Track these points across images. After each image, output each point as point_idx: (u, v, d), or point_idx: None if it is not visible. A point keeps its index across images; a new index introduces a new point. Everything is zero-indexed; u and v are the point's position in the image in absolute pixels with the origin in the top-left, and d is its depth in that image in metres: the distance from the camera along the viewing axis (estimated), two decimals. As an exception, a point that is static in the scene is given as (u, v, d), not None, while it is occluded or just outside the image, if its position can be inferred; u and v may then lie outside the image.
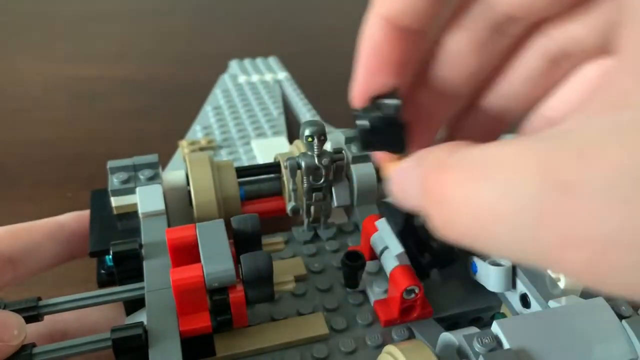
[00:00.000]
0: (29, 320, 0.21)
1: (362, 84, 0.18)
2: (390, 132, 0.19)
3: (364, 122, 0.19)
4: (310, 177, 0.27)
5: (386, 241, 0.24)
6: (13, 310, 0.22)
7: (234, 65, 0.56)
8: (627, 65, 0.11)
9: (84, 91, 0.60)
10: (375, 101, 0.19)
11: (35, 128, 0.55)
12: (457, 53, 0.19)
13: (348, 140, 0.29)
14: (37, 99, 0.60)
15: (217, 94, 0.50)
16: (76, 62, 0.66)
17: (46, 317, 0.22)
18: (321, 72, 0.61)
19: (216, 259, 0.21)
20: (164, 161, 0.36)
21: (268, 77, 0.53)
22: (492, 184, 0.12)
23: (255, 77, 0.53)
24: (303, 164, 0.27)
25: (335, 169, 0.28)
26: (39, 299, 0.22)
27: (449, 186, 0.14)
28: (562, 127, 0.12)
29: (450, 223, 0.14)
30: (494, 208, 0.12)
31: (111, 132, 0.53)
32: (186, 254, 0.22)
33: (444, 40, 0.19)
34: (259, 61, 0.57)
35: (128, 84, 0.61)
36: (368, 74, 0.18)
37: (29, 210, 0.43)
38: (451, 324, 0.25)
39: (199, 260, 0.22)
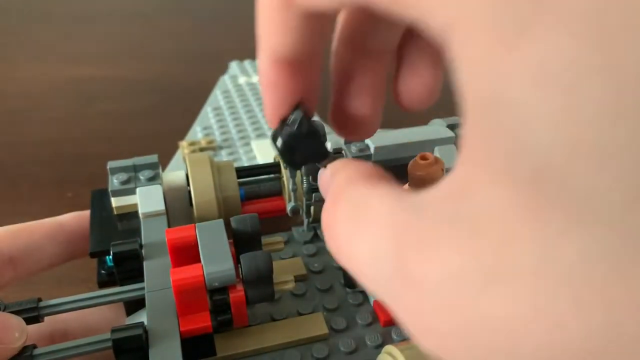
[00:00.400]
0: (29, 321, 0.21)
1: (271, 113, 0.19)
2: (306, 143, 0.19)
3: (278, 143, 0.19)
4: (310, 177, 0.27)
5: None
6: (13, 312, 0.22)
7: (234, 66, 0.56)
8: (464, 152, 0.11)
9: (84, 91, 0.60)
10: (284, 121, 0.19)
11: (35, 128, 0.55)
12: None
13: (348, 141, 0.29)
14: (37, 99, 0.60)
15: (217, 95, 0.50)
16: (76, 62, 0.66)
17: (47, 317, 0.22)
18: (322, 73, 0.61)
19: (216, 259, 0.21)
20: (164, 162, 0.36)
21: (268, 77, 0.53)
22: (365, 240, 0.13)
23: (255, 78, 0.53)
24: (303, 164, 0.27)
25: (335, 169, 0.28)
26: (40, 299, 0.22)
27: (336, 218, 0.14)
28: (427, 199, 0.12)
29: (335, 250, 0.14)
30: (363, 264, 0.13)
31: (111, 132, 0.53)
32: (186, 254, 0.22)
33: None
34: (259, 62, 0.57)
35: (128, 84, 0.61)
36: (272, 105, 0.19)
37: (29, 210, 0.43)
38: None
39: (199, 261, 0.22)
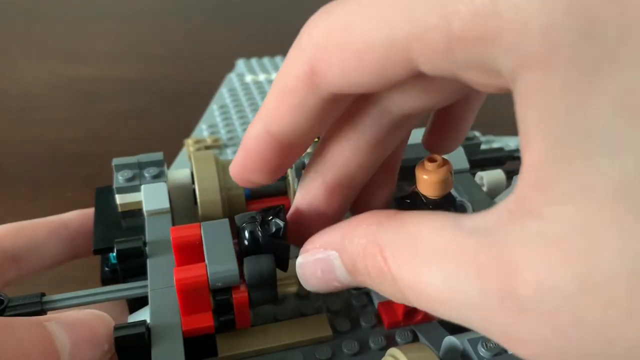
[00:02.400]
0: (32, 316, 0.22)
1: (238, 174, 0.20)
2: (273, 248, 0.21)
3: (246, 234, 0.22)
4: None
5: None
6: (16, 306, 0.22)
7: (240, 64, 0.57)
8: (530, 177, 0.12)
9: (84, 91, 0.61)
10: (263, 216, 0.21)
11: (35, 128, 0.56)
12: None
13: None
14: (37, 99, 0.61)
15: (223, 93, 0.51)
16: (76, 62, 0.67)
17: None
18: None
19: (220, 259, 0.22)
20: (169, 160, 0.37)
21: (274, 76, 0.54)
22: (435, 272, 0.14)
23: (262, 76, 0.54)
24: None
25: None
26: (43, 294, 0.23)
27: (392, 265, 0.15)
28: (489, 224, 0.13)
29: (401, 295, 0.15)
30: (440, 295, 0.14)
31: (112, 132, 0.54)
32: (190, 253, 0.23)
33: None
34: (266, 60, 0.58)
35: (130, 84, 0.62)
36: (244, 168, 0.20)
37: (28, 210, 0.44)
38: (456, 328, 0.25)
39: (203, 260, 0.22)
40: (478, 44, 0.12)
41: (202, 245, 0.23)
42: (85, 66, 0.66)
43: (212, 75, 0.56)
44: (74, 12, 0.80)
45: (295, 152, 0.19)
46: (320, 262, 0.18)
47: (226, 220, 0.24)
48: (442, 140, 0.22)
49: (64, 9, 0.80)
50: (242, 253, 0.22)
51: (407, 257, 0.15)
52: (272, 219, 0.21)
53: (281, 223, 0.21)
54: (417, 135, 0.29)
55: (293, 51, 0.17)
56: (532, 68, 0.11)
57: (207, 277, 0.21)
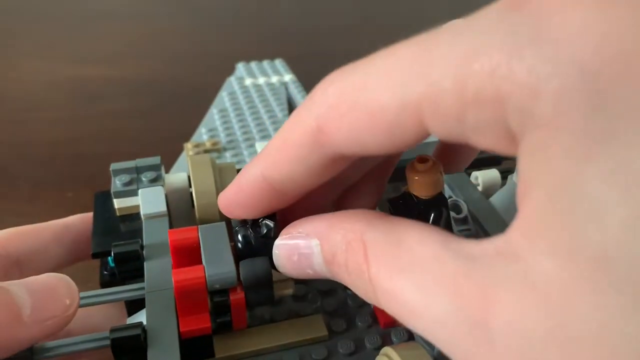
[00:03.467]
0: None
1: (226, 207, 0.21)
2: (267, 249, 0.22)
3: (239, 237, 0.22)
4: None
5: None
6: None
7: (240, 68, 0.58)
8: (522, 226, 0.13)
9: (85, 91, 0.62)
10: (255, 221, 0.22)
11: (35, 128, 0.56)
12: None
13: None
14: (37, 99, 0.61)
15: (223, 97, 0.52)
16: (77, 63, 0.68)
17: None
18: (325, 73, 0.62)
19: (218, 261, 0.22)
20: (169, 162, 0.37)
21: (274, 79, 0.54)
22: (411, 283, 0.14)
23: (261, 80, 0.54)
24: (305, 166, 0.28)
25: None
26: None
27: (372, 265, 0.15)
28: (475, 253, 0.14)
29: (373, 296, 0.16)
30: (412, 306, 0.14)
31: (112, 132, 0.55)
32: (188, 255, 0.23)
33: None
34: (266, 64, 0.58)
35: (130, 85, 0.63)
36: (234, 204, 0.21)
37: (29, 210, 0.45)
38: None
39: (200, 262, 0.23)
40: (490, 106, 0.13)
41: (199, 248, 0.23)
42: (85, 67, 0.67)
43: (212, 78, 0.56)
44: (75, 13, 0.80)
45: (287, 199, 0.20)
46: (299, 247, 0.19)
47: (223, 223, 0.24)
48: (447, 164, 0.23)
49: (65, 10, 0.81)
50: (238, 256, 0.23)
51: (388, 261, 0.15)
52: (262, 220, 0.22)
53: (271, 224, 0.22)
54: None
55: (305, 105, 0.17)
56: (540, 129, 0.12)
57: (205, 279, 0.22)
